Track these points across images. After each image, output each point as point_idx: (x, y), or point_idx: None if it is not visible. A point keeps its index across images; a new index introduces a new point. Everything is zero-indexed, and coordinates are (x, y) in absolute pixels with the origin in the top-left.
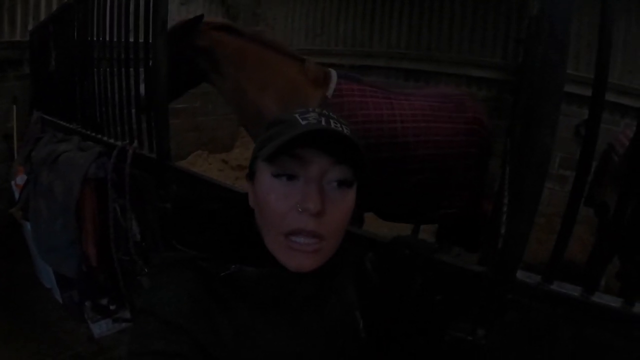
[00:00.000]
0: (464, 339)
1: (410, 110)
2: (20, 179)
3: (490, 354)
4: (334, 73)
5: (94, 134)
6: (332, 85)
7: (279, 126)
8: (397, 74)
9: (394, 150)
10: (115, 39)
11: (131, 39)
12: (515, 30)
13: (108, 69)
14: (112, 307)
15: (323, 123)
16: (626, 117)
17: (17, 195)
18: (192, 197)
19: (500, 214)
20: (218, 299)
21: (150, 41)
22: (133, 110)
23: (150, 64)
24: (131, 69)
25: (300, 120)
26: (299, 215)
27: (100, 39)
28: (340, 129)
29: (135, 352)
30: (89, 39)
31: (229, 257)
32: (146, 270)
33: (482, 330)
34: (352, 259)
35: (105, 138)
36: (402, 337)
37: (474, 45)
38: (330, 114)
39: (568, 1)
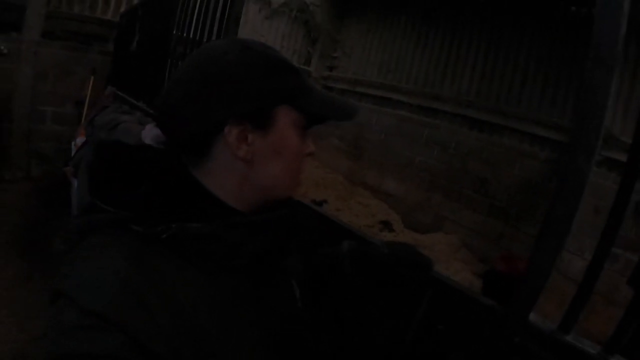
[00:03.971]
0: None
1: None
2: (80, 140)
3: None
4: None
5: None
6: None
7: (299, 74)
8: (461, 120)
9: None
10: (191, 34)
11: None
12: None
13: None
14: None
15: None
16: None
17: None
18: (117, 145)
19: None
20: (152, 272)
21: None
22: None
23: None
24: None
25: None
26: (306, 158)
27: (179, 33)
28: None
29: (55, 356)
30: (170, 29)
31: (168, 215)
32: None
33: None
34: (302, 232)
35: None
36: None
37: (543, 103)
38: None
39: (618, 22)
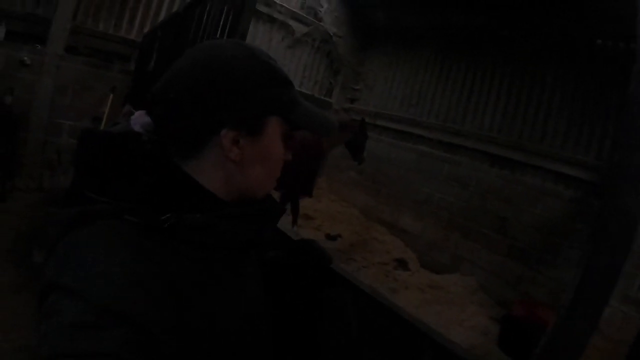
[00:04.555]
0: None
1: None
2: None
3: None
4: None
5: None
6: None
7: (293, 88)
8: (482, 157)
9: None
10: None
11: None
12: (613, 130)
13: None
14: None
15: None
16: None
17: None
18: (102, 136)
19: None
20: (153, 263)
21: None
22: None
23: None
24: None
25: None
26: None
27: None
28: None
29: (51, 355)
30: (183, 49)
31: (163, 207)
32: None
33: None
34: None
35: None
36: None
37: (567, 140)
38: None
39: None
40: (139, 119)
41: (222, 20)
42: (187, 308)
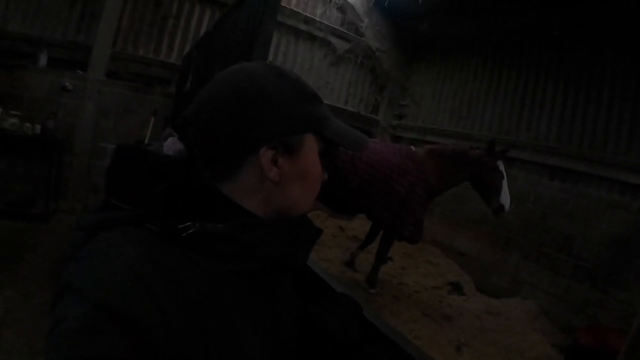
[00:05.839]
0: None
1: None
2: None
3: None
4: None
5: None
6: None
7: (323, 104)
8: (541, 169)
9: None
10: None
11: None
12: None
13: None
14: None
15: None
16: None
17: None
18: (136, 149)
19: None
20: (165, 271)
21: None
22: None
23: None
24: None
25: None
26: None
27: (220, 67)
28: None
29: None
30: (213, 67)
31: (183, 216)
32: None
33: None
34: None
35: None
36: None
37: (632, 145)
38: None
39: None
40: (173, 146)
41: (246, 29)
42: (195, 317)
